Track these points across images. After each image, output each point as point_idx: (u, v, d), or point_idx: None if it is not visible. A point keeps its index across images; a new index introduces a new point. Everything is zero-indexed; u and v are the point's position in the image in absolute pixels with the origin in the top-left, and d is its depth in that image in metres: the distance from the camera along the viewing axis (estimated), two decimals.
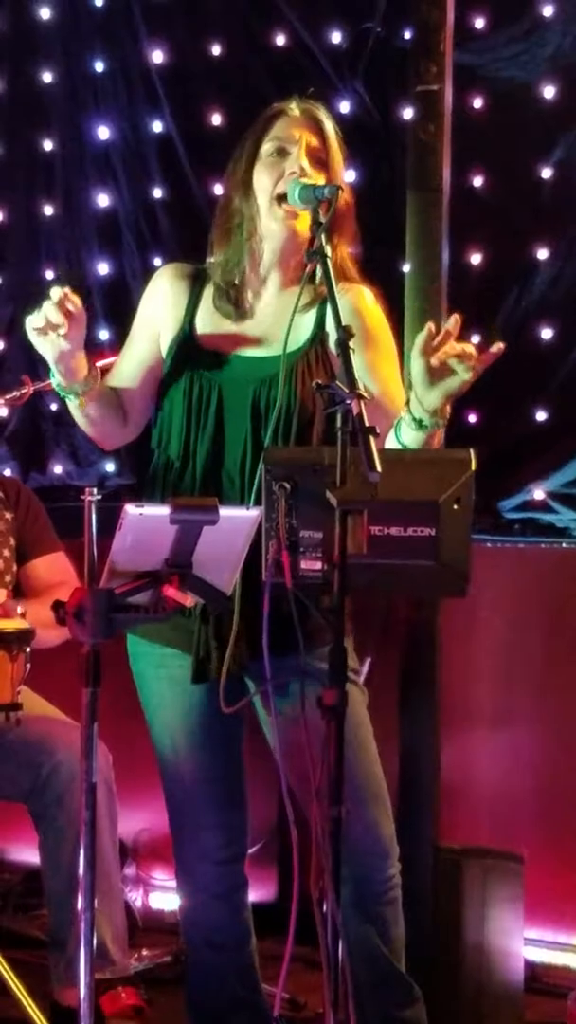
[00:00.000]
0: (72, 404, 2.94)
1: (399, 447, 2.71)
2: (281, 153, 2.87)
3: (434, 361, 2.57)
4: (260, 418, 2.83)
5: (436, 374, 2.59)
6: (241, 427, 2.85)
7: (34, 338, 2.81)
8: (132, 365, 3.03)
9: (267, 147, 2.88)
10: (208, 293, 2.96)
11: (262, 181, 2.88)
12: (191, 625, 2.85)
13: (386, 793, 2.94)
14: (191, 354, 2.92)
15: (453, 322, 2.58)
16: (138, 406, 3.03)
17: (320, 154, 2.87)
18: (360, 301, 2.92)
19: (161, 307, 2.99)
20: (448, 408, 2.66)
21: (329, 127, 2.90)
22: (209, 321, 2.94)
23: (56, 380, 2.90)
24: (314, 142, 2.87)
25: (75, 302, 2.77)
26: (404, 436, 2.70)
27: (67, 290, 2.77)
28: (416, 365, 2.59)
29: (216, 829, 2.95)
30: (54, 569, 3.92)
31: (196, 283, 2.97)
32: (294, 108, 2.91)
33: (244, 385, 2.85)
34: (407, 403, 2.68)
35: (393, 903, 2.93)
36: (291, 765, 2.54)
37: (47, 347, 2.81)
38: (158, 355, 3.00)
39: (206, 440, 2.87)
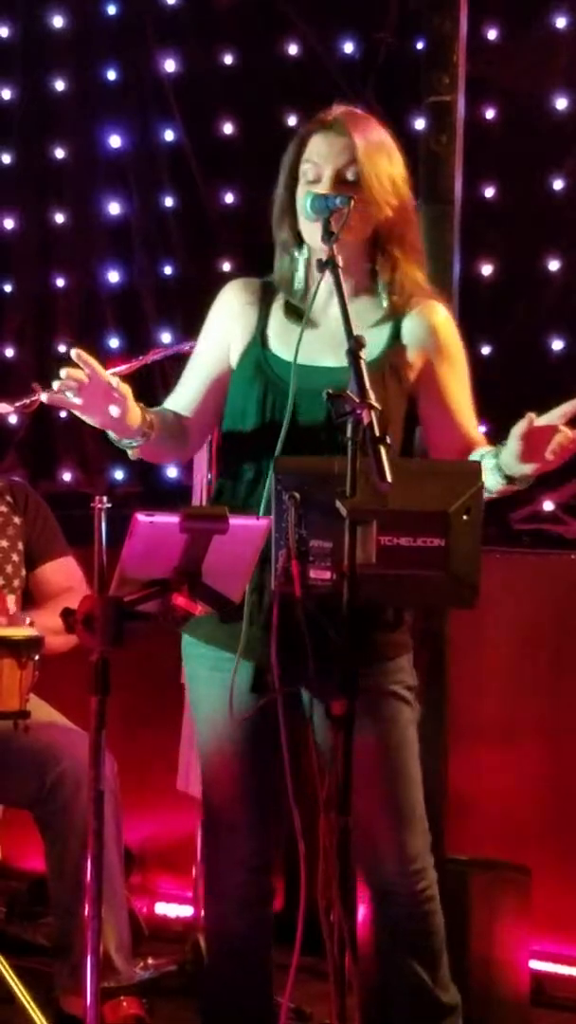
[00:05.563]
0: (129, 452, 2.89)
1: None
2: (316, 176, 2.84)
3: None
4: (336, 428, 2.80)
5: (530, 455, 2.66)
6: (316, 437, 2.82)
7: (80, 414, 2.75)
8: (198, 384, 3.00)
9: (303, 168, 2.86)
10: (277, 305, 2.95)
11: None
12: (252, 632, 2.82)
13: (422, 811, 2.92)
14: (264, 365, 2.89)
15: (560, 416, 2.66)
16: (201, 426, 3.01)
17: (347, 173, 2.83)
18: (434, 316, 2.92)
19: (229, 320, 2.97)
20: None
21: (360, 141, 2.84)
22: (281, 332, 2.92)
23: (111, 435, 2.83)
24: (343, 161, 2.84)
25: (81, 373, 2.69)
26: (488, 481, 2.73)
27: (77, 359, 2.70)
28: (513, 445, 2.66)
29: (250, 834, 2.93)
30: (63, 574, 3.92)
31: (264, 296, 2.96)
32: (328, 123, 2.86)
33: (319, 395, 2.84)
34: (496, 456, 2.72)
35: (425, 917, 2.92)
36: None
37: (93, 418, 2.75)
38: (227, 368, 2.97)
39: (281, 451, 2.83)
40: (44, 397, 2.72)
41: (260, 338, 2.93)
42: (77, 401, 2.69)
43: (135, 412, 2.78)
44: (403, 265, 2.90)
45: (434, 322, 2.92)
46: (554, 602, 4.23)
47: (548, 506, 4.28)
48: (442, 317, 2.93)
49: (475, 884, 3.70)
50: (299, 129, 2.92)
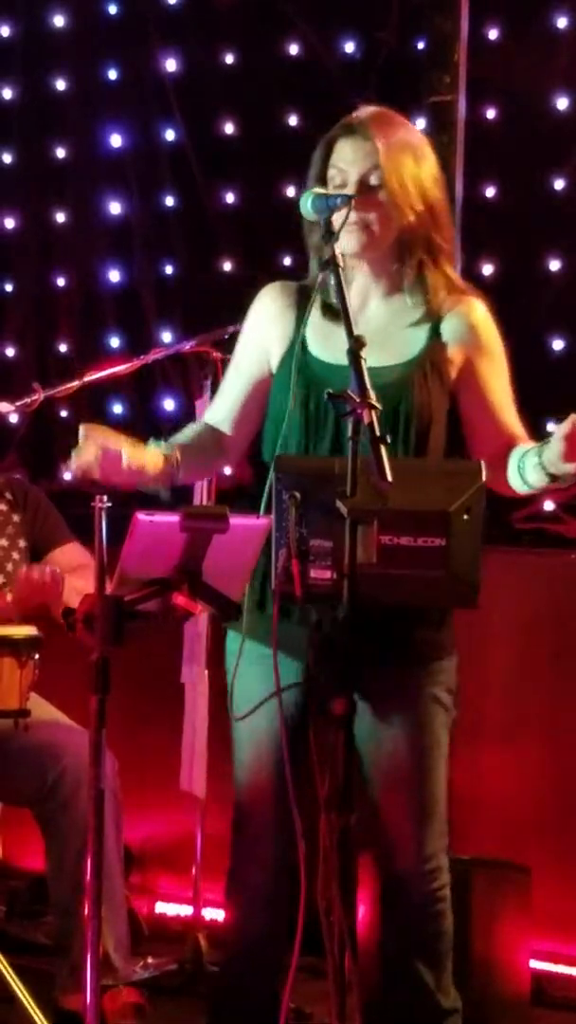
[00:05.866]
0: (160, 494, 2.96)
1: (523, 484, 2.81)
2: (342, 181, 2.84)
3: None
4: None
5: (573, 454, 2.66)
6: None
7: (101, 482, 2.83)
8: (237, 391, 3.01)
9: (330, 174, 2.86)
10: (316, 307, 2.93)
11: None
12: (299, 630, 2.78)
13: (443, 813, 2.94)
14: (305, 367, 2.88)
15: None
16: (242, 433, 3.02)
17: (371, 178, 2.83)
18: (473, 314, 2.92)
19: (267, 323, 2.97)
20: None
21: (383, 145, 2.82)
22: (319, 333, 2.91)
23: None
24: (367, 166, 2.83)
25: (93, 451, 2.81)
26: (531, 477, 2.78)
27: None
28: (556, 445, 2.67)
29: (278, 836, 2.91)
30: (72, 556, 3.89)
31: (301, 298, 2.95)
32: (353, 127, 2.86)
33: None
34: (539, 455, 2.74)
35: (435, 917, 2.92)
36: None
37: (118, 484, 2.83)
38: (267, 373, 2.98)
39: (324, 453, 2.83)
40: (67, 476, 2.83)
41: (300, 340, 2.91)
42: (95, 473, 2.79)
43: (154, 463, 2.85)
44: (428, 267, 2.89)
45: (473, 320, 2.92)
46: (554, 602, 4.23)
47: (549, 506, 4.27)
48: (481, 314, 2.93)
49: (476, 884, 3.70)
50: (326, 137, 2.91)
